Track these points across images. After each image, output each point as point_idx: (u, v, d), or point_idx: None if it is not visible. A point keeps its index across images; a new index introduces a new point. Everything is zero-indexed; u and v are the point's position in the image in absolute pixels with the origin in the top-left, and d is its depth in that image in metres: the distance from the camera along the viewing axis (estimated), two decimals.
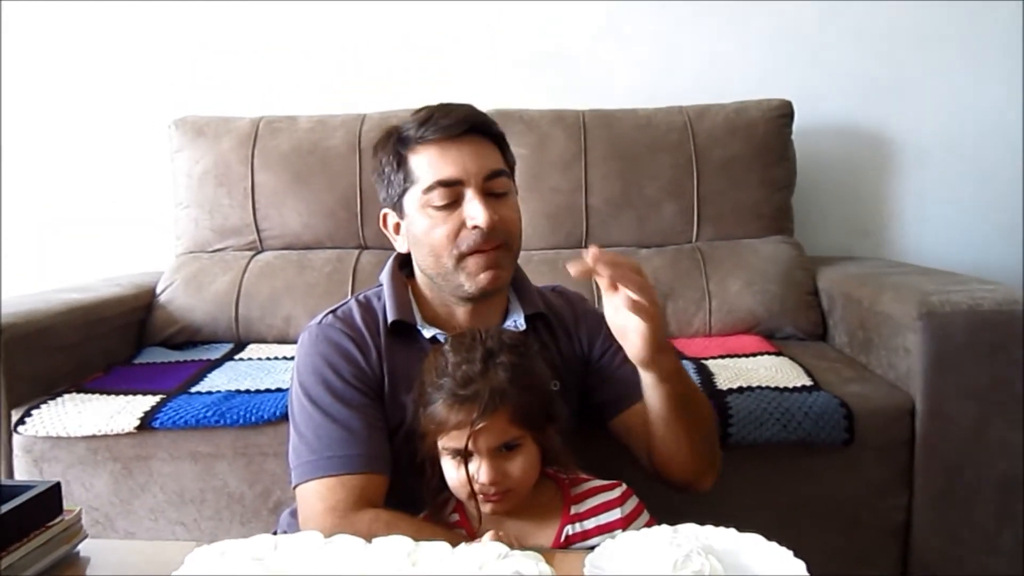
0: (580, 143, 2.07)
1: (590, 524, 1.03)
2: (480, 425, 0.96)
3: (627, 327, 0.98)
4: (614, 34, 2.32)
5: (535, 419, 1.01)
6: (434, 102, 1.17)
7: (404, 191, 1.14)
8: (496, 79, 2.32)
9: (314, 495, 1.05)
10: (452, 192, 1.10)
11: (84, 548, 0.94)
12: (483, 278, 1.11)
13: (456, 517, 1.06)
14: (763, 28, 2.31)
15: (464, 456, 0.98)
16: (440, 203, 1.10)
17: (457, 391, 0.98)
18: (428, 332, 1.15)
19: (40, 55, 2.39)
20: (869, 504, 1.48)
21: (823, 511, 1.48)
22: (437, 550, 0.74)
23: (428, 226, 1.12)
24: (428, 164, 1.11)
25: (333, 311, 1.18)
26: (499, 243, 1.11)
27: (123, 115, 2.39)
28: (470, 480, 0.98)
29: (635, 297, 0.93)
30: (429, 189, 1.10)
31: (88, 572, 0.91)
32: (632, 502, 1.05)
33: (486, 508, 1.01)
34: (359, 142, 2.08)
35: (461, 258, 1.10)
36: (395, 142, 1.15)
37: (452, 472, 1.01)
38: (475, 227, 1.09)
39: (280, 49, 2.35)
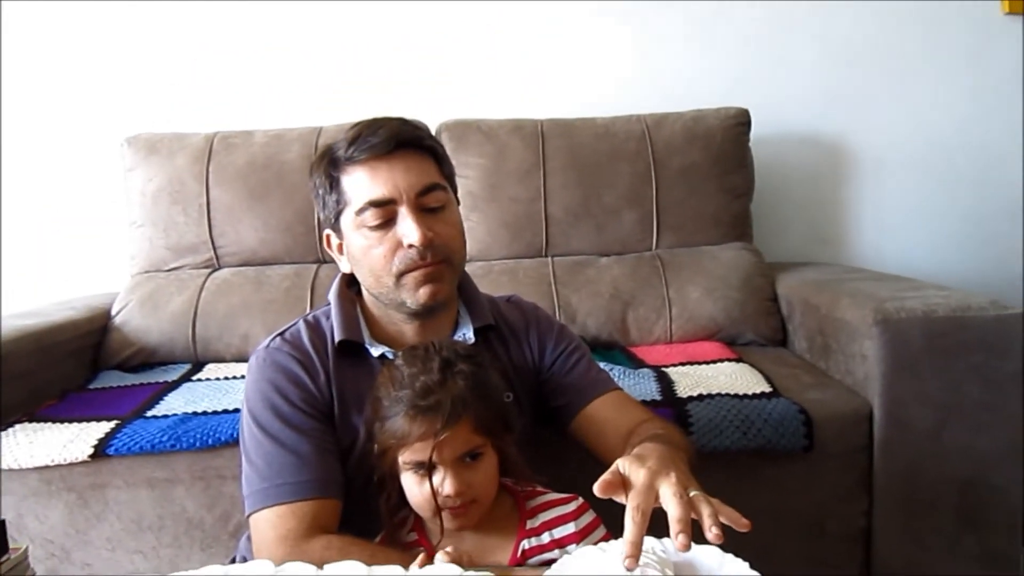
0: (539, 152, 2.07)
1: (545, 538, 1.02)
2: (444, 435, 0.95)
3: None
4: (571, 42, 2.33)
5: (495, 426, 1.00)
6: (381, 115, 1.14)
7: (339, 212, 1.13)
8: (452, 89, 2.31)
9: (266, 524, 1.03)
10: (385, 212, 1.09)
11: None
12: (423, 293, 1.10)
13: (414, 536, 1.05)
14: (723, 37, 2.33)
15: (428, 469, 0.96)
16: (374, 223, 1.09)
17: (418, 402, 0.96)
18: (376, 351, 1.14)
19: None
20: (830, 510, 1.50)
21: (784, 518, 1.48)
22: (391, 573, 0.73)
23: (365, 246, 1.10)
24: (359, 185, 1.10)
25: (281, 333, 1.17)
26: (438, 259, 1.10)
27: (74, 134, 2.34)
28: (434, 494, 0.97)
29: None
30: (362, 210, 1.09)
31: None
32: (587, 516, 1.04)
33: (452, 524, 0.99)
34: (315, 155, 2.05)
35: (399, 276, 1.09)
36: (327, 164, 1.13)
37: (415, 488, 0.99)
38: (410, 245, 1.08)
39: (234, 63, 2.32)
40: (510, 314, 1.26)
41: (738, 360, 1.74)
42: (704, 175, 2.08)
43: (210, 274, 2.05)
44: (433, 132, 1.41)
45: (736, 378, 1.61)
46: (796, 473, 1.47)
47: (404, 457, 0.98)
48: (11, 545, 0.91)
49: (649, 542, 0.86)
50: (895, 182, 2.38)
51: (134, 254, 2.11)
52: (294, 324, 1.18)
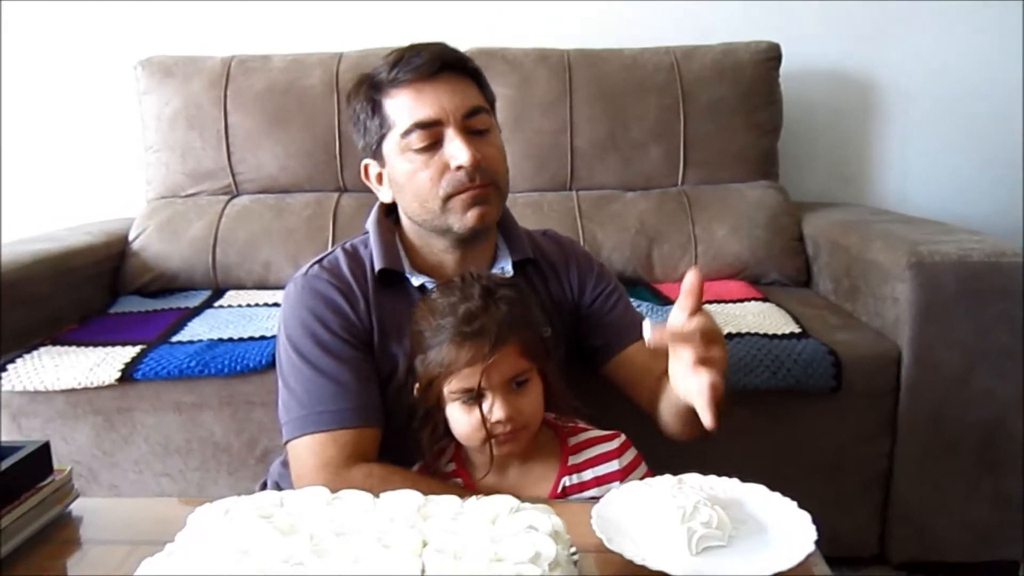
0: (565, 83, 2.02)
1: (587, 475, 1.02)
2: (492, 359, 0.94)
3: (691, 389, 0.85)
4: None
5: (539, 352, 1.00)
6: (411, 42, 1.11)
7: (382, 137, 1.10)
8: (476, 17, 2.24)
9: (306, 451, 1.03)
10: (431, 133, 1.06)
11: (76, 508, 0.92)
12: (471, 216, 1.07)
13: (452, 466, 1.05)
14: None
15: (477, 396, 0.96)
16: (420, 145, 1.06)
17: (463, 328, 0.95)
18: (417, 280, 1.12)
19: None
20: (853, 451, 1.50)
21: (807, 457, 1.50)
22: (447, 504, 0.73)
23: (410, 170, 1.08)
24: (404, 107, 1.07)
25: (319, 261, 1.15)
26: (485, 181, 1.07)
27: (86, 56, 2.28)
28: (484, 421, 0.96)
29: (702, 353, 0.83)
30: (407, 132, 1.06)
31: (82, 533, 0.89)
32: (630, 453, 1.05)
33: (502, 449, 0.98)
34: (336, 81, 2.01)
35: (447, 199, 1.07)
36: (368, 88, 1.11)
37: (462, 417, 0.98)
38: (458, 167, 1.05)
39: None
40: (548, 248, 1.24)
41: (764, 300, 1.73)
42: (733, 110, 2.03)
43: (229, 200, 2.02)
44: None
45: (764, 318, 1.60)
46: (822, 413, 1.48)
47: (451, 386, 0.97)
48: (55, 466, 0.91)
49: (697, 479, 0.87)
50: (922, 121, 2.32)
51: (150, 179, 2.08)
52: (332, 252, 1.16)
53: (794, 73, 2.17)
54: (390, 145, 1.09)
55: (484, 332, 0.94)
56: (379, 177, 1.15)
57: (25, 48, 2.28)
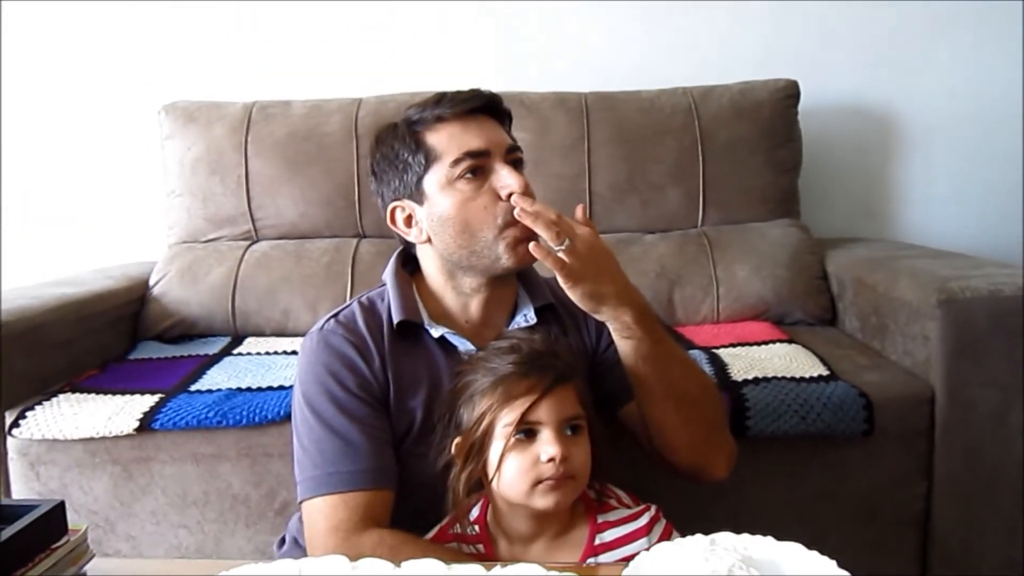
0: (583, 127, 2.02)
1: (614, 556, 0.97)
2: (553, 392, 0.93)
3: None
4: (614, 15, 2.26)
5: (589, 406, 0.99)
6: (429, 87, 1.17)
7: (424, 172, 1.09)
8: (493, 62, 2.26)
9: (318, 513, 1.02)
10: (481, 162, 1.07)
11: (91, 568, 0.89)
12: (522, 251, 1.06)
13: (476, 530, 1.02)
14: (767, 6, 2.25)
15: (530, 432, 0.94)
16: (470, 175, 1.07)
17: (528, 361, 0.95)
18: (436, 332, 1.11)
19: (24, 41, 2.30)
20: (888, 494, 1.46)
21: (841, 502, 1.45)
22: (472, 573, 0.71)
23: (460, 201, 1.07)
24: (451, 138, 1.08)
25: (335, 315, 1.14)
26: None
27: (111, 102, 2.31)
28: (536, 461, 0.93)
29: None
30: (456, 162, 1.07)
31: None
32: (659, 527, 0.99)
33: (546, 500, 0.94)
34: (355, 127, 2.02)
35: (504, 228, 1.06)
36: (407, 126, 1.12)
37: (512, 457, 0.94)
38: (510, 194, 1.05)
39: (272, 33, 2.27)
40: (565, 295, 1.23)
41: (790, 341, 1.70)
42: (752, 149, 2.02)
43: (249, 246, 2.02)
44: None
45: (791, 360, 1.57)
46: (854, 457, 1.43)
47: (506, 419, 0.94)
48: (70, 526, 0.89)
49: (730, 539, 0.83)
50: (944, 154, 2.30)
51: (171, 224, 2.09)
52: (348, 306, 1.15)
53: (813, 109, 2.16)
54: (435, 178, 1.09)
55: (547, 367, 0.94)
56: (407, 220, 1.14)
57: (49, 91, 2.32)
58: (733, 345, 1.70)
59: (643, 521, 0.99)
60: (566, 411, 0.94)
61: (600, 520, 1.00)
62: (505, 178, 1.06)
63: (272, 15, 2.27)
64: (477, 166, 1.07)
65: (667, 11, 2.26)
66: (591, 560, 0.97)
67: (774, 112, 2.04)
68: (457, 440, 0.99)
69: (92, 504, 1.48)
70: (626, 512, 1.01)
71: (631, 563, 0.80)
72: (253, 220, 2.04)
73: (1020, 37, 2.24)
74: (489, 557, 0.97)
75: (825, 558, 0.80)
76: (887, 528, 1.47)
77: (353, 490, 1.01)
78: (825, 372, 1.49)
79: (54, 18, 2.29)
